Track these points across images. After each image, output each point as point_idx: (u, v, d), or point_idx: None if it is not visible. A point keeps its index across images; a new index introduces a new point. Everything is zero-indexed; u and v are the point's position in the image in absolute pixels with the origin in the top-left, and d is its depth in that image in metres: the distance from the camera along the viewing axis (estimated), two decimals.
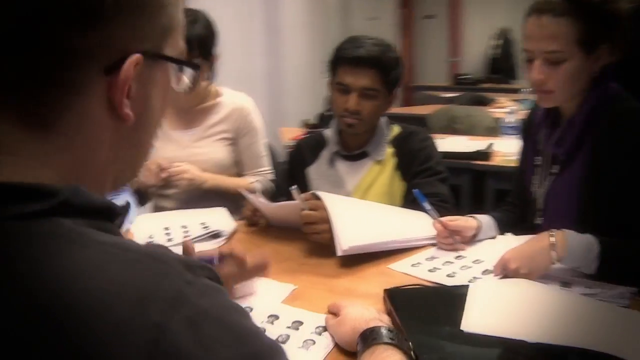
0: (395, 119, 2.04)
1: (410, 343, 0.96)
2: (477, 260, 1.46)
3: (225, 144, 2.18)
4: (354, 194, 1.92)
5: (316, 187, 1.99)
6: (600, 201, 1.40)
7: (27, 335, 0.49)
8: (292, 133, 3.76)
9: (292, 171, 2.09)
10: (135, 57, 0.60)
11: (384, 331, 0.97)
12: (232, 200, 2.12)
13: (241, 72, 4.86)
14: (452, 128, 3.61)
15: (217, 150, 2.16)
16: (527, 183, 1.63)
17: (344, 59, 1.81)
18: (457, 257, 1.49)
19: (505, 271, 1.31)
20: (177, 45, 0.69)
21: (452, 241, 1.52)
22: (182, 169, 2.02)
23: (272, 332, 1.14)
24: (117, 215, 0.63)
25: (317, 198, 1.56)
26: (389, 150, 1.91)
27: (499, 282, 1.28)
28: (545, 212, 1.57)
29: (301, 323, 1.18)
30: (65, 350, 0.49)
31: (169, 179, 2.02)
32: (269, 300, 1.29)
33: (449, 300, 1.18)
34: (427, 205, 1.53)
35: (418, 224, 1.58)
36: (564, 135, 1.49)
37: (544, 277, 1.30)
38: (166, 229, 1.82)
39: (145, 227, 1.85)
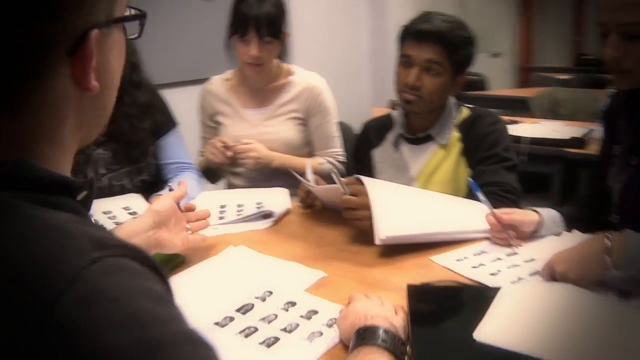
0: (494, 101, 1.91)
1: (408, 348, 0.88)
2: (530, 259, 1.31)
3: (295, 123, 2.15)
4: (417, 180, 1.81)
5: (380, 170, 1.91)
6: None
7: None
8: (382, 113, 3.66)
9: (358, 154, 2.02)
10: (94, 33, 0.61)
11: (379, 332, 0.89)
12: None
13: (346, 52, 4.82)
14: (554, 112, 3.33)
15: (286, 130, 2.14)
16: (604, 175, 1.45)
17: (410, 32, 1.70)
18: (510, 254, 1.35)
19: (551, 275, 1.17)
20: (122, 3, 0.68)
21: (506, 236, 1.38)
22: (248, 147, 2.02)
23: (284, 320, 1.10)
24: (74, 190, 0.64)
25: (362, 183, 1.47)
26: (455, 135, 1.78)
27: (537, 287, 1.14)
28: (622, 209, 1.39)
29: (316, 312, 1.12)
30: None
31: (235, 157, 2.03)
32: (292, 286, 1.24)
33: (474, 302, 1.07)
34: (481, 196, 1.40)
35: (472, 216, 1.45)
36: None
37: (599, 285, 1.14)
38: (222, 207, 1.82)
39: (204, 203, 1.86)
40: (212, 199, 1.90)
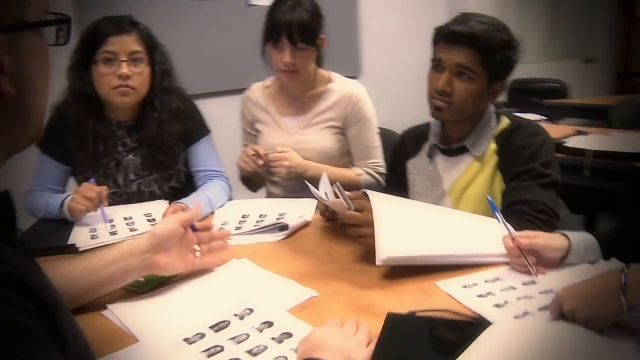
0: (573, 110, 1.73)
1: None
2: (547, 290, 1.15)
3: (332, 132, 2.07)
4: (450, 194, 1.67)
5: (414, 182, 1.78)
6: None
7: None
8: None
9: (394, 164, 1.90)
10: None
11: None
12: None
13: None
14: (638, 122, 3.01)
15: (322, 139, 2.06)
16: None
17: (442, 34, 1.58)
18: (526, 284, 1.19)
19: (559, 312, 1.01)
20: (40, 6, 0.68)
21: (525, 262, 1.22)
22: (281, 156, 1.96)
23: (253, 341, 1.02)
24: None
25: (368, 198, 1.36)
26: (491, 146, 1.62)
27: (535, 327, 0.98)
28: None
29: (290, 336, 1.04)
30: None
31: (268, 166, 1.97)
32: (276, 305, 1.16)
33: (456, 338, 0.93)
34: (498, 215, 1.25)
35: (491, 237, 1.30)
36: None
37: (613, 328, 0.97)
38: (244, 216, 1.77)
39: (227, 213, 1.83)
40: (236, 209, 1.86)
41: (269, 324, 1.08)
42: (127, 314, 1.17)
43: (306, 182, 1.60)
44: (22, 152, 0.72)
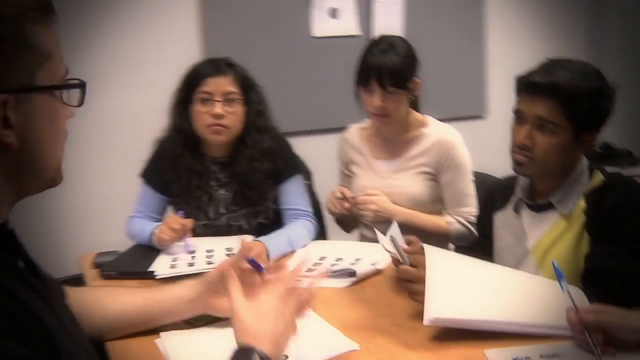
0: None
1: None
2: None
3: (424, 178, 2.02)
4: (534, 253, 1.56)
5: (498, 237, 1.69)
6: None
7: None
8: None
9: (483, 217, 1.81)
10: (1, 97, 0.70)
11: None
12: (427, 238, 1.95)
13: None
14: None
15: (414, 184, 2.02)
16: None
17: (522, 84, 1.49)
18: None
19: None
20: (54, 73, 0.77)
21: (589, 341, 1.10)
22: (369, 199, 1.95)
23: None
24: None
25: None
26: (580, 204, 1.49)
27: None
28: None
29: None
30: None
31: (356, 208, 1.97)
32: (313, 354, 1.15)
33: None
34: (563, 284, 1.14)
35: (556, 306, 1.18)
36: None
37: None
38: (321, 258, 1.78)
39: (307, 253, 1.84)
40: (316, 249, 1.87)
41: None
42: (175, 344, 1.23)
43: (374, 228, 1.57)
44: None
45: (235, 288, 1.02)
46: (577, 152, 1.50)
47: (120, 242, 1.95)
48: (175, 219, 1.79)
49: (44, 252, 1.70)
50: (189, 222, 1.79)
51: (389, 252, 1.47)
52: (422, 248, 1.33)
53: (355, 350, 1.17)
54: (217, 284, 1.27)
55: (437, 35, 3.56)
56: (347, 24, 3.45)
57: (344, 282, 1.59)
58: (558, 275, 1.15)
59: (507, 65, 3.87)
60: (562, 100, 1.41)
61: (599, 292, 1.26)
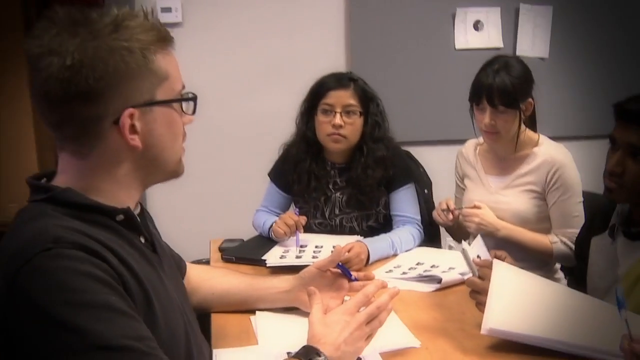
0: None
1: None
2: None
3: (530, 196, 2.06)
4: (624, 281, 1.56)
5: (593, 261, 1.71)
6: None
7: None
8: None
9: (580, 239, 1.82)
10: (128, 111, 0.95)
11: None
12: (529, 255, 2.00)
13: None
14: None
15: (520, 201, 2.07)
16: None
17: (617, 111, 1.51)
18: None
19: None
20: (172, 90, 1.01)
21: None
22: (473, 212, 2.04)
23: None
24: (108, 213, 0.97)
25: None
26: None
27: None
28: None
29: None
30: None
31: (461, 220, 2.07)
32: (376, 343, 1.29)
33: None
34: (622, 313, 1.18)
35: (617, 332, 1.22)
36: None
37: None
38: (417, 263, 1.93)
39: (406, 257, 2.00)
40: (417, 255, 2.01)
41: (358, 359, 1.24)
42: (265, 323, 1.45)
43: (462, 240, 1.68)
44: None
45: (315, 303, 1.19)
46: None
47: (248, 231, 2.23)
48: (290, 215, 2.03)
49: (185, 237, 2.06)
50: (302, 219, 2.02)
51: (466, 260, 1.57)
52: (492, 263, 1.42)
53: (415, 348, 1.31)
54: (309, 281, 1.46)
55: (585, 52, 3.45)
56: (491, 37, 3.48)
57: (430, 287, 1.71)
58: (618, 303, 1.20)
59: None
60: None
61: None
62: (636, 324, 1.26)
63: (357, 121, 2.11)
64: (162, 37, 0.98)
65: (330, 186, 2.21)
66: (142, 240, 1.04)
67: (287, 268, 1.79)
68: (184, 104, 1.03)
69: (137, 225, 1.02)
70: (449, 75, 3.39)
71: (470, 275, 1.46)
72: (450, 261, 1.89)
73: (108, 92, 0.91)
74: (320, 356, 1.06)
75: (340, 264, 1.48)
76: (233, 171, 3.16)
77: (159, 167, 1.03)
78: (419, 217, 2.19)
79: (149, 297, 0.95)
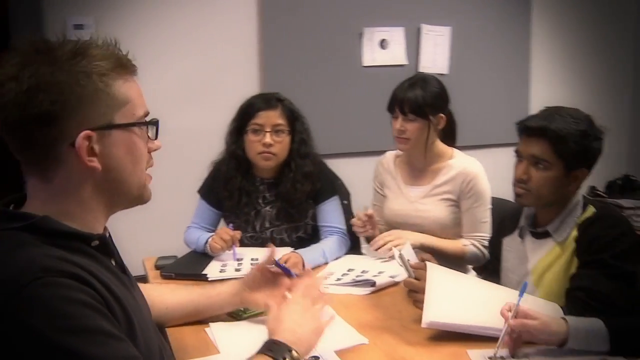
0: None
1: None
2: None
3: (447, 204, 2.26)
4: (532, 274, 1.78)
5: (505, 258, 1.92)
6: None
7: None
8: None
9: (493, 240, 2.04)
10: (84, 133, 0.96)
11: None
12: (446, 258, 2.18)
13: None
14: None
15: (438, 209, 2.26)
16: None
17: (520, 127, 1.74)
18: None
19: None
20: (132, 115, 1.03)
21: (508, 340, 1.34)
22: (387, 238, 2.11)
23: None
24: (84, 239, 0.99)
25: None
26: (573, 233, 1.71)
27: None
28: None
29: None
30: None
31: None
32: (328, 343, 1.40)
33: None
34: (519, 298, 1.37)
35: None
36: None
37: None
38: (349, 270, 2.05)
39: (337, 265, 2.12)
40: (346, 262, 2.15)
41: (316, 358, 1.35)
42: (221, 331, 1.52)
43: (394, 248, 1.83)
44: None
45: (270, 305, 1.31)
46: (571, 186, 1.71)
47: (179, 248, 2.28)
48: (225, 231, 2.11)
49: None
50: (237, 234, 2.10)
51: (401, 266, 1.73)
52: (426, 265, 1.59)
53: (364, 344, 1.44)
54: (251, 282, 1.57)
55: (481, 68, 3.78)
56: (396, 54, 3.71)
57: (365, 290, 1.86)
58: (521, 292, 1.39)
59: (550, 98, 4.02)
60: (552, 141, 1.64)
61: (572, 307, 1.49)
62: (546, 308, 1.48)
63: (286, 139, 2.22)
64: (123, 64, 1.02)
65: (260, 201, 2.30)
66: (113, 262, 1.07)
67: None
68: (151, 130, 1.07)
69: (110, 250, 1.05)
70: (357, 91, 3.60)
71: (406, 276, 1.62)
72: (378, 267, 2.04)
73: (64, 115, 0.93)
74: (279, 345, 1.13)
75: (279, 263, 1.60)
76: (161, 189, 3.15)
77: (121, 190, 1.04)
78: (345, 227, 2.33)
79: (130, 318, 0.99)
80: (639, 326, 1.37)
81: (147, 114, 1.06)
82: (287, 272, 1.60)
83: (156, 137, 1.09)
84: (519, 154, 1.74)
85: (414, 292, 1.58)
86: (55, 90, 0.92)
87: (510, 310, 1.34)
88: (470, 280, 1.64)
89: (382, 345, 1.44)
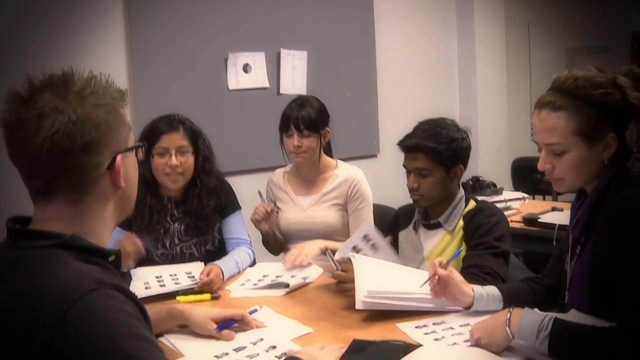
0: None
1: None
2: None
3: (336, 209, 2.55)
4: (428, 260, 2.12)
5: (402, 249, 2.24)
6: (603, 287, 1.42)
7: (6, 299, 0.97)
8: None
9: (390, 234, 2.36)
10: (120, 156, 1.09)
11: None
12: None
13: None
14: None
15: (329, 215, 2.54)
16: (562, 261, 1.67)
17: (400, 146, 2.09)
18: (463, 325, 1.62)
19: (473, 340, 1.44)
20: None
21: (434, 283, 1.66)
22: (296, 256, 2.28)
23: (261, 358, 1.50)
24: (105, 254, 1.08)
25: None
26: (460, 223, 2.08)
27: (448, 348, 1.42)
28: (569, 292, 1.60)
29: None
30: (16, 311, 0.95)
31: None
32: (280, 335, 1.63)
33: (395, 354, 1.38)
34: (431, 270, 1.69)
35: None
36: (580, 217, 1.54)
37: (509, 350, 1.40)
38: (264, 275, 2.24)
39: (251, 272, 2.30)
40: (261, 269, 2.34)
41: (273, 347, 1.54)
42: (177, 340, 1.64)
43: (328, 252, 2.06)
44: None
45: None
46: (453, 182, 2.08)
47: None
48: (130, 242, 2.14)
49: None
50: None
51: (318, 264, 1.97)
52: (349, 259, 1.85)
53: (310, 332, 1.65)
54: (194, 327, 1.66)
55: (335, 87, 4.14)
56: (258, 78, 3.95)
57: (280, 292, 2.06)
58: (453, 256, 1.75)
59: (395, 112, 4.51)
60: (427, 154, 2.01)
61: (469, 280, 1.83)
62: None
63: (190, 159, 2.35)
64: (123, 94, 1.15)
65: (168, 218, 2.40)
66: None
67: (154, 297, 1.97)
68: (140, 152, 1.19)
69: (120, 264, 1.15)
70: (225, 113, 3.77)
71: (334, 271, 1.86)
72: (289, 271, 2.25)
73: (103, 142, 1.06)
74: None
75: (220, 326, 1.65)
76: None
77: (129, 205, 1.18)
78: (249, 239, 2.52)
79: (151, 328, 1.08)
80: (521, 288, 1.74)
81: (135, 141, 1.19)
82: (229, 325, 1.66)
83: (142, 158, 1.21)
84: (406, 168, 2.08)
85: (343, 282, 1.83)
86: (95, 121, 1.04)
87: (441, 265, 1.64)
88: (392, 265, 1.93)
89: (325, 332, 1.66)
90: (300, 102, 2.49)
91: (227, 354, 1.52)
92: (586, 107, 1.43)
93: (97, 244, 1.08)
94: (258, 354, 1.51)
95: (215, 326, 1.64)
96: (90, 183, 1.07)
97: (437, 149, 1.99)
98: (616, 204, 1.41)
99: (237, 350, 1.55)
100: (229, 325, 1.65)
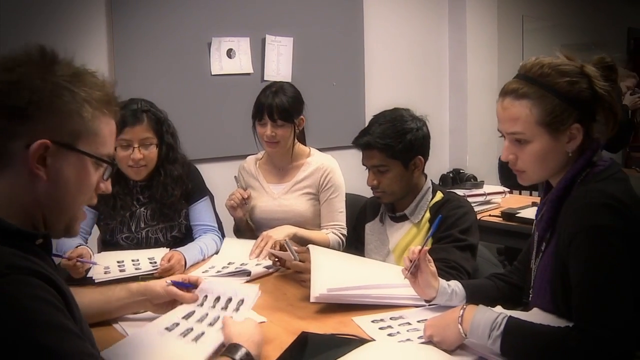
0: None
1: None
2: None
3: (308, 198, 2.50)
4: (394, 252, 2.07)
5: (368, 241, 2.19)
6: (564, 286, 1.37)
7: None
8: None
9: (356, 226, 2.31)
10: (42, 140, 1.00)
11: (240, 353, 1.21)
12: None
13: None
14: None
15: (300, 203, 2.48)
16: (529, 258, 1.62)
17: (355, 145, 2.04)
18: (420, 321, 1.55)
19: (426, 337, 1.39)
20: (96, 148, 1.08)
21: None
22: (261, 244, 2.24)
23: (211, 316, 1.47)
24: (28, 238, 1.02)
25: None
26: (426, 215, 2.02)
27: (398, 345, 1.37)
28: (533, 290, 1.55)
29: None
30: None
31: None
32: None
33: (344, 348, 1.32)
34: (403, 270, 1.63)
35: (403, 286, 1.67)
36: (544, 213, 1.49)
37: (463, 349, 1.34)
38: (229, 263, 2.18)
39: (216, 259, 2.25)
40: (227, 256, 2.28)
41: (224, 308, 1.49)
42: (131, 325, 1.58)
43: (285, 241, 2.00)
44: None
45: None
46: (414, 174, 2.03)
47: None
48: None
49: None
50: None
51: (275, 253, 1.94)
52: (308, 249, 1.79)
53: (264, 322, 1.60)
54: (156, 299, 1.58)
55: (321, 75, 4.08)
56: (242, 64, 3.88)
57: (241, 279, 2.00)
58: (429, 235, 1.68)
59: (382, 101, 4.44)
60: (381, 150, 1.95)
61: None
62: None
63: (154, 150, 2.27)
64: (108, 102, 1.09)
65: (135, 202, 2.34)
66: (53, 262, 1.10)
67: (115, 281, 1.91)
68: (107, 172, 1.12)
69: (50, 248, 1.08)
70: (207, 99, 3.70)
71: (293, 260, 1.81)
72: (254, 260, 2.20)
73: (34, 117, 0.99)
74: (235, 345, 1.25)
75: (177, 282, 1.61)
76: None
77: (59, 211, 1.08)
78: (216, 225, 2.46)
79: (79, 315, 1.04)
80: (486, 285, 1.68)
81: (109, 156, 1.11)
82: (185, 287, 1.62)
83: (108, 179, 1.13)
84: (365, 166, 2.03)
85: (300, 273, 1.77)
86: (37, 93, 0.98)
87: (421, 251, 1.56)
88: (349, 257, 1.88)
89: (278, 322, 1.61)
90: (274, 89, 2.41)
91: (177, 324, 1.46)
92: (550, 96, 1.37)
93: (18, 227, 1.01)
94: (207, 314, 1.47)
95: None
96: (4, 155, 1.00)
97: (389, 144, 1.94)
98: (578, 198, 1.35)
99: (186, 317, 1.49)
100: (184, 286, 1.59)
